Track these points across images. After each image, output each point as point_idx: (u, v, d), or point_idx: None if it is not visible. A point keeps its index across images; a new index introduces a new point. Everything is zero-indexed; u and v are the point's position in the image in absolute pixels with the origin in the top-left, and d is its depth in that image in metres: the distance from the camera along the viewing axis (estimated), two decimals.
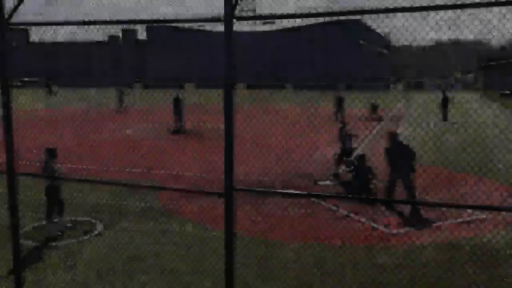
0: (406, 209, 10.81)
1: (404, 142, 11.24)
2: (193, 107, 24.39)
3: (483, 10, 4.44)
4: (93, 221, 10.04)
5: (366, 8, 4.61)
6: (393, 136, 11.09)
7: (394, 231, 9.45)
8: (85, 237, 9.12)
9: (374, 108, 30.92)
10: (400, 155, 10.73)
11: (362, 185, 11.67)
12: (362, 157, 12.27)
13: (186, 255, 8.20)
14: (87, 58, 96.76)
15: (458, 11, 4.53)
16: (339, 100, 29.71)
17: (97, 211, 10.51)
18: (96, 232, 9.41)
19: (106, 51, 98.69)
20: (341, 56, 78.28)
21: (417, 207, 10.71)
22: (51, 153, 9.34)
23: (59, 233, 9.31)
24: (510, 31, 4.63)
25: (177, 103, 24.87)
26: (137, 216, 10.27)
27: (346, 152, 14.18)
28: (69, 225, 9.69)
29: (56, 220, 9.46)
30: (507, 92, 53.05)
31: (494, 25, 4.59)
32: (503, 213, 9.97)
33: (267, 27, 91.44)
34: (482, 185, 11.88)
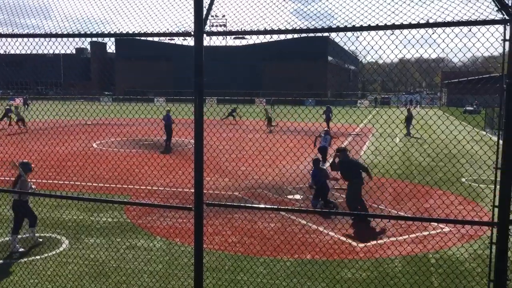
0: (374, 222, 10.97)
1: (355, 158, 11.70)
2: (163, 121, 24.15)
3: (445, 29, 4.63)
4: (59, 237, 9.80)
5: (334, 26, 4.74)
6: (343, 152, 11.49)
7: (362, 244, 9.57)
8: (50, 254, 8.88)
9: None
10: (351, 168, 11.24)
11: (322, 192, 11.94)
12: (317, 161, 12.63)
13: (154, 271, 8.08)
14: (55, 70, 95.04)
15: (422, 30, 4.70)
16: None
17: (63, 227, 10.26)
18: (61, 249, 9.18)
19: (74, 63, 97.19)
20: (309, 72, 79.30)
21: (368, 218, 11.11)
22: (25, 167, 9.14)
23: (22, 249, 9.06)
24: (471, 50, 4.82)
25: (168, 119, 23.22)
26: (104, 232, 10.07)
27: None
28: (40, 240, 9.47)
29: (20, 236, 9.19)
30: (470, 108, 54.85)
31: (456, 44, 4.78)
32: (467, 226, 10.24)
33: (237, 43, 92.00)
34: (446, 199, 12.18)
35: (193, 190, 5.17)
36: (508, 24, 4.34)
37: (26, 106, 46.65)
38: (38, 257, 8.70)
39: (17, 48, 6.29)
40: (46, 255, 8.82)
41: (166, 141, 23.66)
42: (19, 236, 9.18)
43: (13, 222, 9.15)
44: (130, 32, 5.50)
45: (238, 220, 10.83)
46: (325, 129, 18.58)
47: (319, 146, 17.75)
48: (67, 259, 8.63)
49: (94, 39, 5.69)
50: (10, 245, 9.07)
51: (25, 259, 8.58)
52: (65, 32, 5.76)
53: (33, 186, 9.40)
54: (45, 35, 5.91)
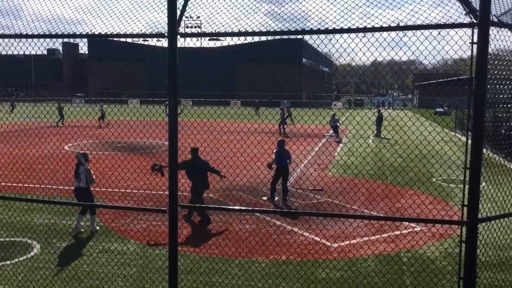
0: (347, 222, 11.09)
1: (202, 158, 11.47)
2: (137, 122, 23.92)
3: (416, 32, 4.73)
4: (30, 241, 9.59)
5: (307, 29, 4.79)
6: (194, 151, 11.36)
7: (336, 244, 9.67)
8: (21, 258, 8.69)
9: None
10: (198, 169, 11.10)
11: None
12: (282, 142, 13.12)
13: (128, 275, 7.99)
14: (26, 71, 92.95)
15: (393, 32, 4.80)
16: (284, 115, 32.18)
17: (34, 231, 10.06)
18: (32, 253, 8.99)
19: (45, 64, 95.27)
20: (284, 74, 79.73)
21: (207, 216, 11.03)
22: (86, 157, 10.28)
23: (83, 230, 10.13)
24: (441, 52, 4.93)
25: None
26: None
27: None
28: (97, 228, 10.32)
29: (82, 219, 10.18)
30: (440, 110, 56.05)
31: (426, 47, 4.89)
32: (437, 225, 10.46)
33: (211, 44, 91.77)
34: (417, 198, 12.42)
35: (167, 193, 5.15)
36: (476, 27, 4.46)
37: (12, 108, 46.76)
38: (8, 262, 8.50)
39: None
40: (16, 260, 8.62)
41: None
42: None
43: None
44: (103, 33, 5.44)
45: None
46: (333, 113, 27.04)
47: (332, 125, 27.49)
48: (38, 263, 8.46)
49: (66, 39, 5.60)
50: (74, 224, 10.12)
51: None
52: (36, 33, 5.66)
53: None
54: (15, 36, 5.79)
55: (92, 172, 10.25)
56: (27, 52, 6.26)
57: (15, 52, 6.16)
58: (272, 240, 9.48)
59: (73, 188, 10.35)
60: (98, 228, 10.40)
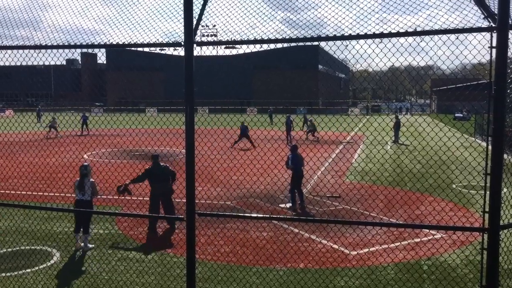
0: (366, 230, 10.98)
1: (164, 164, 11.32)
2: (154, 131, 24.13)
3: (433, 37, 4.68)
4: (49, 249, 9.70)
5: (323, 35, 4.78)
6: (155, 158, 11.28)
7: (355, 252, 9.57)
8: (41, 267, 8.79)
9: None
10: (159, 175, 11.03)
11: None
12: (295, 147, 13.25)
13: (146, 283, 8.02)
14: (45, 82, 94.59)
15: (410, 38, 4.76)
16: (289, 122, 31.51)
17: (54, 239, 10.17)
18: (52, 261, 9.08)
19: (64, 74, 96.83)
20: (300, 81, 79.71)
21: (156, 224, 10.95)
22: (88, 169, 9.99)
23: (91, 245, 9.77)
24: (459, 57, 4.87)
25: (245, 127, 28.03)
26: (95, 244, 9.99)
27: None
28: (90, 245, 9.81)
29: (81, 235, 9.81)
30: (460, 115, 55.32)
31: (444, 52, 4.84)
32: (458, 232, 10.29)
33: (227, 52, 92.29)
34: (437, 205, 12.25)
35: (184, 200, 5.16)
36: (495, 31, 4.40)
37: (39, 119, 48.04)
38: (28, 270, 8.60)
39: (7, 60, 6.27)
40: (37, 268, 8.72)
41: (236, 142, 27.15)
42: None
43: (78, 223, 9.82)
44: (121, 42, 5.50)
45: (230, 229, 10.80)
46: (309, 119, 29.80)
47: (308, 130, 30.88)
48: (58, 271, 8.54)
49: (85, 50, 5.70)
50: (82, 244, 9.72)
51: (16, 273, 8.47)
52: (55, 43, 5.75)
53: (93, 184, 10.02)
54: (35, 47, 5.89)
55: (96, 183, 10.13)
56: (46, 63, 6.37)
57: (35, 63, 6.27)
58: (290, 248, 9.42)
59: (75, 201, 9.98)
60: (91, 246, 9.83)
